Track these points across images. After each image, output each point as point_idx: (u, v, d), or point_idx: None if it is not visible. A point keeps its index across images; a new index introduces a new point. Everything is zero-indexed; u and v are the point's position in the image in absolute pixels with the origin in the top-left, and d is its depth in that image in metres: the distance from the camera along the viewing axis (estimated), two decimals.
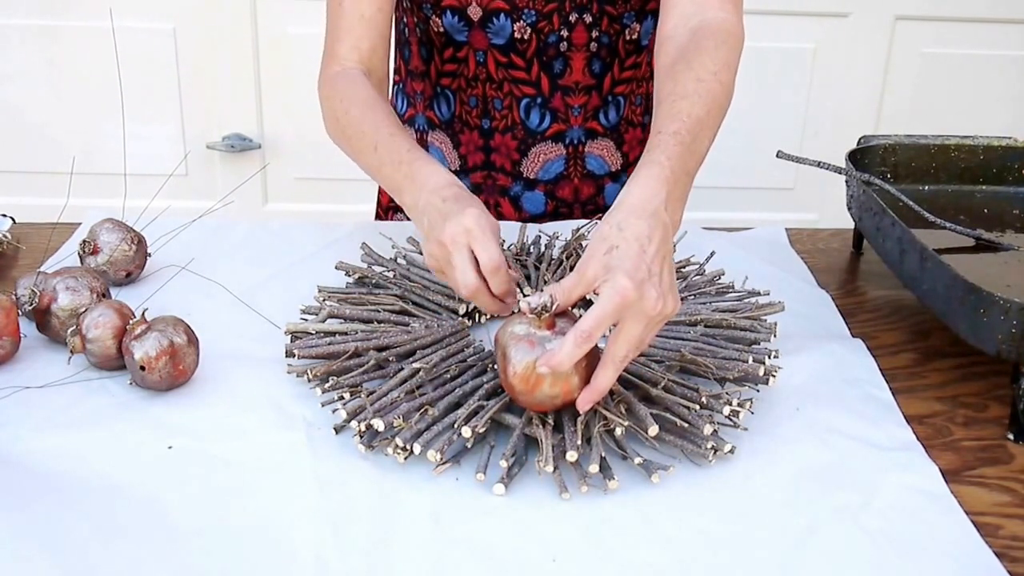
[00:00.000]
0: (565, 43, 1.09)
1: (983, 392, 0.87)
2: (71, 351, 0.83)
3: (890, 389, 0.86)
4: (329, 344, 0.84)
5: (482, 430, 0.74)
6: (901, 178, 1.12)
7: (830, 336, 0.94)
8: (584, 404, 0.73)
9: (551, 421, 0.75)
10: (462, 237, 0.80)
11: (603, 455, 0.73)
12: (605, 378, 0.72)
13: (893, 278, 0.98)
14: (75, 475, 0.72)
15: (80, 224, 1.12)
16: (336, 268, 0.98)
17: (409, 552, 0.66)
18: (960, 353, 0.92)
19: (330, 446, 0.76)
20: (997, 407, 0.85)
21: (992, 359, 0.83)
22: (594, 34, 1.09)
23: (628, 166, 1.20)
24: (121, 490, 0.71)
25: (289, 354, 0.84)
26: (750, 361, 0.83)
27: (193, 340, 0.82)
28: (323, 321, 0.89)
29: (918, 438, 0.79)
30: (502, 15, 1.06)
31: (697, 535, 0.69)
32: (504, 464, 0.72)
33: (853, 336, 0.94)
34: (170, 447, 0.75)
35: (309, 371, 0.82)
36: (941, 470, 0.75)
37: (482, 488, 0.72)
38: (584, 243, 1.02)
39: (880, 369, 0.88)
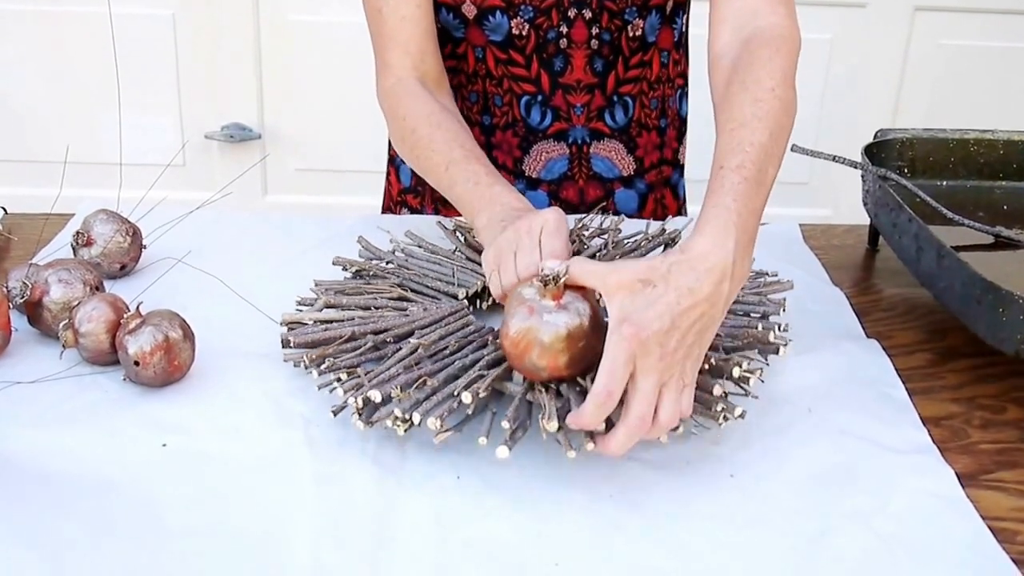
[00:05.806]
0: (565, 40, 1.07)
1: (1001, 394, 0.86)
2: (63, 345, 0.82)
3: (905, 390, 0.85)
4: (325, 330, 0.82)
5: (483, 394, 0.72)
6: (918, 173, 1.12)
7: (844, 335, 0.93)
8: (572, 421, 0.69)
9: (554, 387, 0.73)
10: (536, 225, 0.78)
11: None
12: (616, 443, 0.68)
13: (909, 276, 0.96)
14: (67, 473, 0.71)
15: (73, 215, 1.10)
16: (334, 264, 0.96)
17: (409, 554, 0.65)
18: (977, 353, 0.91)
19: (329, 444, 0.75)
20: (1015, 409, 0.84)
21: (1011, 360, 0.83)
22: (594, 31, 1.07)
23: (643, 172, 1.17)
24: (114, 488, 0.70)
25: (285, 344, 0.83)
26: (759, 328, 0.82)
27: (189, 335, 0.81)
28: (319, 311, 0.87)
29: (934, 440, 0.78)
30: (498, 12, 1.05)
31: (705, 539, 0.68)
32: (507, 426, 0.70)
33: (868, 335, 0.93)
34: (165, 444, 0.75)
35: (305, 357, 0.80)
36: (957, 473, 0.74)
37: (484, 489, 0.71)
38: (585, 233, 1.00)
39: (895, 369, 0.87)
